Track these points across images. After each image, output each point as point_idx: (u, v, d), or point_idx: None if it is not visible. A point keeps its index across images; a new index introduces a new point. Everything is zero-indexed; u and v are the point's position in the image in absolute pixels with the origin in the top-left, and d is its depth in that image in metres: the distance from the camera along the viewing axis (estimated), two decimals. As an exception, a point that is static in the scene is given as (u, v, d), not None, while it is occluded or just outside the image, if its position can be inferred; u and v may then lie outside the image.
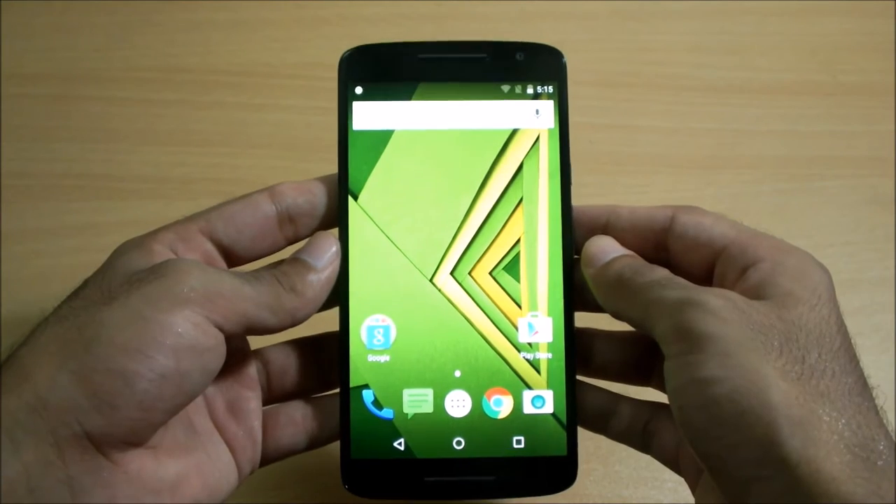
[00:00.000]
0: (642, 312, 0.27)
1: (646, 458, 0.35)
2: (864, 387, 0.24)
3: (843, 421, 0.23)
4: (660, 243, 0.30)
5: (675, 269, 0.29)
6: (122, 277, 0.26)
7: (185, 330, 0.25)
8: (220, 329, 0.26)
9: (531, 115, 0.31)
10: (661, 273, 0.28)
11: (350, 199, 0.31)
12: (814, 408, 0.23)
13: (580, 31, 0.51)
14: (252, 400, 0.30)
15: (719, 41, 0.51)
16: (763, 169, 0.48)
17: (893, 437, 0.24)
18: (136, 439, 0.25)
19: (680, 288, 0.26)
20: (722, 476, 0.24)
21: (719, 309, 0.24)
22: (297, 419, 0.31)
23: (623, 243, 0.30)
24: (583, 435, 0.31)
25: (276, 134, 0.47)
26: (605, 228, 0.31)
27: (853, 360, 0.25)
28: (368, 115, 0.31)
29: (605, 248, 0.30)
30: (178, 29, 0.50)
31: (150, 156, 0.46)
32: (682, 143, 0.48)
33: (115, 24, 0.50)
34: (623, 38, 0.51)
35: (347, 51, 0.31)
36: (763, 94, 0.49)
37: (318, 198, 0.30)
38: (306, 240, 0.31)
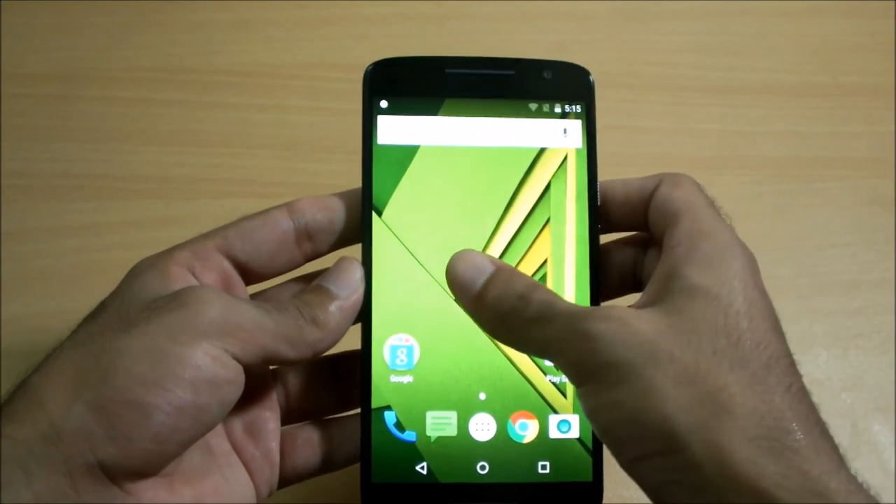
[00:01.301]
0: (537, 351, 0.26)
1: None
2: (768, 370, 0.23)
3: (746, 413, 0.22)
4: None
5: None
6: (141, 303, 0.25)
7: (203, 363, 0.24)
8: (239, 361, 0.25)
9: (559, 134, 0.31)
10: (540, 301, 0.25)
11: (374, 214, 0.30)
12: (711, 408, 0.22)
13: (580, 31, 0.51)
14: (270, 421, 0.29)
15: (720, 42, 0.51)
16: (764, 170, 0.48)
17: (808, 414, 0.23)
18: (150, 470, 0.24)
19: (563, 319, 0.25)
20: (641, 483, 0.24)
21: (604, 334, 0.24)
22: (315, 440, 0.30)
23: (620, 218, 0.30)
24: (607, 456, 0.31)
25: (277, 134, 0.47)
26: (603, 203, 0.30)
27: (759, 344, 0.24)
28: (393, 129, 0.31)
29: (470, 273, 0.27)
30: (178, 29, 0.50)
31: (150, 156, 0.46)
32: (683, 143, 0.48)
33: (115, 23, 0.49)
34: (623, 39, 0.51)
35: (372, 64, 0.31)
36: (763, 95, 0.50)
37: (337, 213, 0.30)
38: (328, 260, 0.30)
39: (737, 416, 0.22)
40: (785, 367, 0.24)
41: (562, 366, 0.25)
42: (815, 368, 0.43)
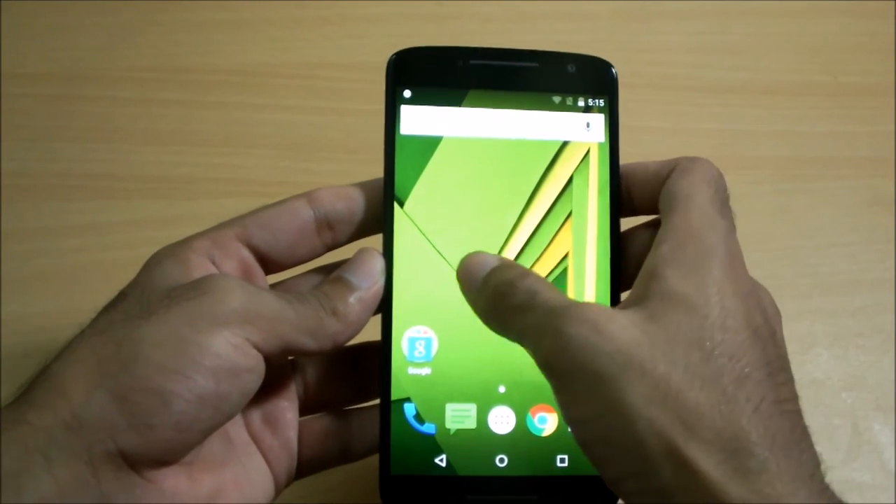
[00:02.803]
0: (517, 339, 0.26)
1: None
2: (741, 385, 0.23)
3: (712, 436, 0.22)
4: None
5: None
6: (162, 291, 0.25)
7: (224, 352, 0.24)
8: (259, 350, 0.25)
9: (582, 128, 0.31)
10: (525, 289, 0.25)
11: (395, 205, 0.30)
12: (681, 431, 0.22)
13: (580, 31, 0.51)
14: (289, 411, 0.29)
15: (720, 42, 0.51)
16: (764, 169, 0.48)
17: (776, 431, 0.23)
18: (170, 458, 0.24)
19: (540, 313, 0.24)
20: (625, 500, 0.24)
21: (574, 337, 0.23)
22: (333, 431, 0.30)
23: (641, 201, 0.30)
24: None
25: (278, 134, 0.47)
26: (626, 186, 0.30)
27: (732, 357, 0.23)
28: (417, 119, 0.30)
29: (473, 269, 0.27)
30: (179, 29, 0.50)
31: (151, 156, 0.46)
32: (684, 143, 0.48)
33: (116, 23, 0.49)
34: (624, 39, 0.51)
35: (396, 53, 0.31)
36: (764, 95, 0.50)
37: (358, 204, 0.30)
38: (348, 250, 0.30)
39: (704, 439, 0.22)
40: (758, 381, 0.23)
41: (535, 360, 0.25)
42: (816, 368, 0.43)
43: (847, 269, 0.45)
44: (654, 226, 0.30)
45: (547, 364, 0.24)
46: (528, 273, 0.26)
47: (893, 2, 0.52)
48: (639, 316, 0.24)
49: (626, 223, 0.31)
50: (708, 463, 0.22)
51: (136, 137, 0.47)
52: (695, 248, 0.25)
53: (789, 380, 0.24)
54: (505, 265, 0.27)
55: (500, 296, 0.26)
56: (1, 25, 0.49)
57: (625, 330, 0.23)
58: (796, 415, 0.24)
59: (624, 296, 0.30)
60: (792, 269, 0.45)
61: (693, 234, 0.26)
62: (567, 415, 0.24)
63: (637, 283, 0.26)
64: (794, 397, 0.24)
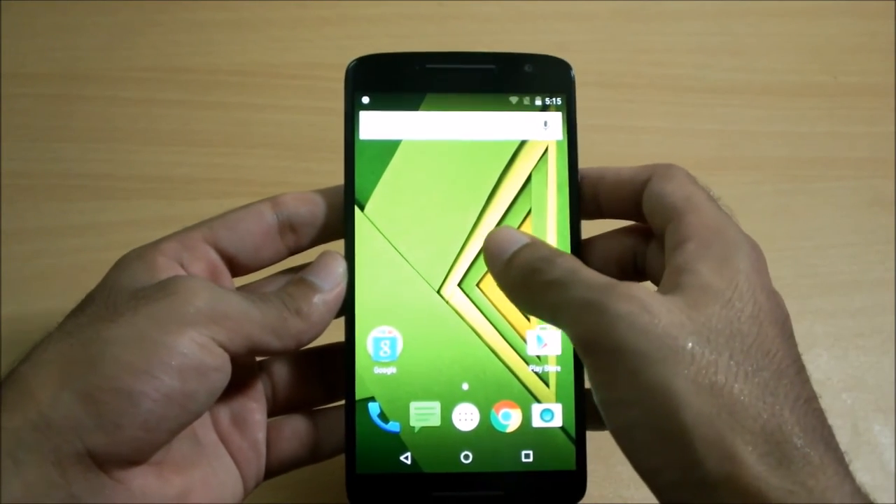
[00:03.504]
0: (551, 315, 0.26)
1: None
2: (778, 380, 0.23)
3: (757, 428, 0.22)
4: (640, 205, 0.29)
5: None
6: (128, 293, 0.26)
7: (190, 351, 0.24)
8: (226, 350, 0.26)
9: (539, 127, 0.31)
10: (564, 266, 0.25)
11: (357, 209, 0.30)
12: (727, 421, 0.22)
13: (581, 31, 0.51)
14: (257, 412, 0.30)
15: (721, 42, 0.51)
16: (764, 170, 0.48)
17: (816, 426, 0.23)
18: (139, 458, 0.24)
19: (583, 288, 0.24)
20: (655, 494, 0.24)
21: (623, 315, 0.23)
22: (301, 431, 0.30)
23: (609, 205, 0.30)
24: (588, 439, 0.31)
25: (278, 134, 0.47)
26: (595, 191, 0.30)
27: (768, 352, 0.23)
28: (375, 124, 0.31)
29: (502, 244, 0.27)
30: (179, 29, 0.50)
31: (151, 156, 0.46)
32: (684, 144, 0.48)
33: (116, 23, 0.50)
34: (624, 39, 0.51)
35: (354, 60, 0.31)
36: (764, 96, 0.50)
37: (320, 208, 0.30)
38: (312, 253, 0.30)
39: (750, 430, 0.22)
40: (793, 377, 0.24)
41: (571, 337, 0.25)
42: (816, 369, 0.43)
43: (847, 270, 0.45)
44: (633, 232, 0.31)
45: (586, 341, 0.24)
46: (565, 252, 0.27)
47: (893, 2, 0.52)
48: (682, 302, 0.24)
49: (592, 227, 0.32)
50: (752, 455, 0.22)
51: (136, 137, 0.47)
52: (720, 244, 0.25)
53: (809, 378, 0.25)
54: (537, 243, 0.27)
55: (534, 271, 0.26)
56: (1, 25, 0.49)
57: (672, 313, 0.23)
58: (822, 413, 0.24)
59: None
60: (792, 270, 0.45)
61: (714, 231, 0.26)
62: (603, 396, 0.24)
63: (666, 280, 0.26)
64: (817, 396, 0.24)
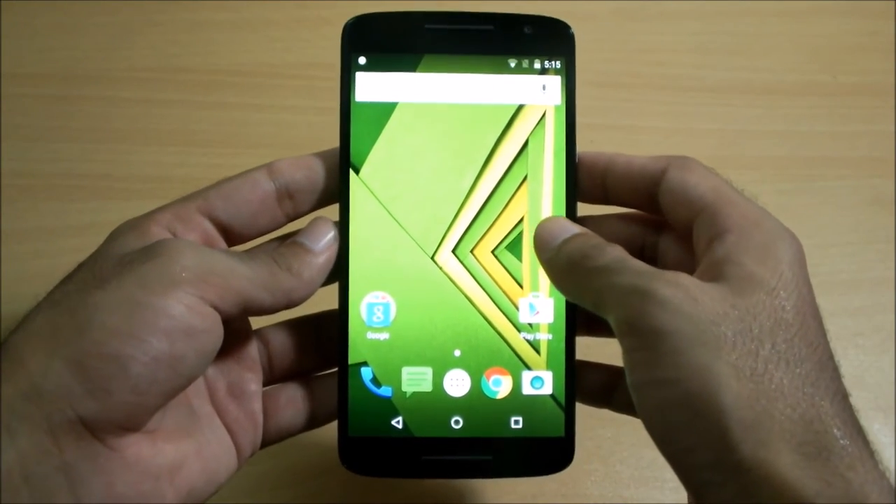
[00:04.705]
0: (595, 300, 0.26)
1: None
2: (820, 372, 0.23)
3: (796, 417, 0.22)
4: (653, 196, 0.29)
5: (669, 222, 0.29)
6: (115, 259, 0.25)
7: (178, 312, 0.24)
8: (216, 309, 0.25)
9: (538, 91, 0.31)
10: (613, 255, 0.26)
11: (352, 172, 0.30)
12: (766, 407, 0.22)
13: (580, 31, 0.50)
14: (253, 382, 0.30)
15: (720, 42, 0.51)
16: (764, 169, 0.48)
17: (853, 421, 0.23)
18: (132, 424, 0.24)
19: (631, 274, 0.25)
20: (681, 477, 0.24)
21: (669, 299, 0.23)
22: (297, 399, 0.30)
23: (618, 192, 0.30)
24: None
25: (278, 134, 0.47)
26: (603, 176, 0.30)
27: (811, 344, 0.24)
28: (371, 86, 0.30)
29: (554, 231, 0.28)
30: (179, 29, 0.50)
31: (151, 156, 0.46)
32: (684, 143, 0.48)
33: (116, 24, 0.50)
34: (624, 39, 0.51)
35: (351, 19, 0.31)
36: (764, 95, 0.50)
37: (317, 173, 0.30)
38: (306, 219, 0.30)
39: (789, 418, 0.22)
40: (832, 372, 0.24)
41: (614, 321, 0.25)
42: (816, 368, 0.43)
43: (846, 269, 0.45)
44: (641, 221, 0.31)
45: (631, 323, 0.24)
46: (612, 243, 0.27)
47: (893, 2, 0.52)
48: (727, 291, 0.24)
49: (587, 209, 0.31)
50: (789, 444, 0.22)
51: (136, 138, 0.47)
52: (762, 235, 0.26)
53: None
54: (588, 233, 0.28)
55: (583, 258, 0.27)
56: (1, 25, 0.49)
57: (716, 301, 0.24)
58: (854, 409, 0.24)
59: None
60: (792, 269, 0.45)
61: (753, 223, 0.26)
62: (640, 376, 0.24)
63: (705, 271, 0.26)
64: (848, 393, 0.24)
